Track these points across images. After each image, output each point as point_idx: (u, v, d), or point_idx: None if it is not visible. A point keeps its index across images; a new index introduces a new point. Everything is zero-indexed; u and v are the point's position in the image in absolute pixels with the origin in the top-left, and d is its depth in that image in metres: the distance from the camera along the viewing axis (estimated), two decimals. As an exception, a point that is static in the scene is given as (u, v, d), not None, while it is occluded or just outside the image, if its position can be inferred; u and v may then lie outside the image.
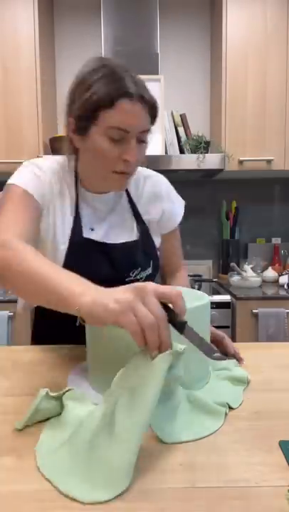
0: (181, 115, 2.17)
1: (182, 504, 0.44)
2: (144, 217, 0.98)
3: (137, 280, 0.93)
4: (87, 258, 0.89)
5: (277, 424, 0.59)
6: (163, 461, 0.51)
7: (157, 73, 2.11)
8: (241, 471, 0.49)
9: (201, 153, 2.03)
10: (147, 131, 0.81)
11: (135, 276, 0.94)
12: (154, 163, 1.92)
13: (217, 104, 2.21)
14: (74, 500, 0.44)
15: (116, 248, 0.92)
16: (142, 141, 0.82)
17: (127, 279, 0.93)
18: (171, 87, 2.30)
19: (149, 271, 0.96)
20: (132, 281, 0.82)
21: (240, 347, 0.86)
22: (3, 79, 2.01)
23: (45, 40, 2.15)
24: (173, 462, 0.51)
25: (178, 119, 2.15)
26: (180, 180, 2.22)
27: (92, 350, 0.70)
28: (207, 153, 2.09)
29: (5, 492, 0.46)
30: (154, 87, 2.07)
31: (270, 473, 0.49)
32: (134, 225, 0.97)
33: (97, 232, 0.93)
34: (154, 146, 2.07)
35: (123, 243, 0.94)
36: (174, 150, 2.12)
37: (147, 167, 1.02)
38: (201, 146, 2.06)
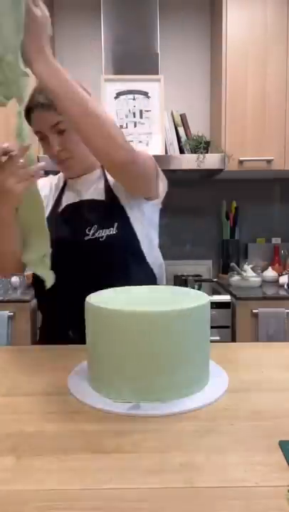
0: (181, 115, 2.17)
1: (182, 504, 0.44)
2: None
3: (98, 239, 0.95)
4: (52, 226, 0.95)
5: (277, 424, 0.59)
6: (163, 461, 0.51)
7: (157, 73, 2.11)
8: (241, 471, 0.49)
9: (201, 153, 2.03)
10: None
11: (93, 234, 0.96)
12: (154, 163, 1.92)
13: (217, 104, 2.21)
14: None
15: (71, 208, 1.02)
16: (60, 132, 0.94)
17: (86, 238, 0.96)
18: (171, 87, 2.30)
19: (113, 231, 0.96)
20: (91, 241, 0.95)
21: (240, 347, 0.86)
22: (3, 79, 2.01)
23: (45, 40, 2.15)
24: (173, 462, 0.51)
25: (178, 119, 2.15)
26: (180, 180, 2.22)
27: (92, 349, 0.70)
28: (207, 153, 2.08)
29: (5, 492, 0.46)
30: (154, 87, 2.07)
31: (270, 473, 0.49)
32: (101, 187, 1.02)
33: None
34: (154, 146, 2.07)
35: (78, 201, 1.01)
36: (174, 150, 2.12)
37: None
38: (201, 146, 2.06)
